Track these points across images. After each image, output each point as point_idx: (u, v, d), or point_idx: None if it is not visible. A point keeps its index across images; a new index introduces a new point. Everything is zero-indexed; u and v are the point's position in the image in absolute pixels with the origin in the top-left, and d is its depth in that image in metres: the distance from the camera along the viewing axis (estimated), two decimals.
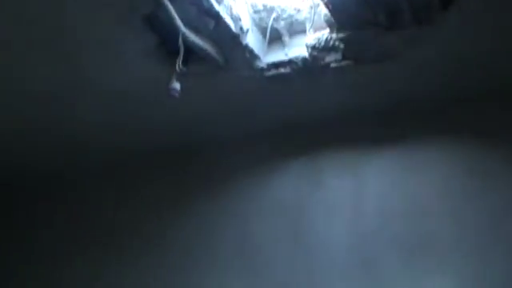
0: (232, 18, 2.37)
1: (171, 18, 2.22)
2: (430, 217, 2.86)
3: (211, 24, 2.33)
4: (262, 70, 2.66)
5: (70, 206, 3.54)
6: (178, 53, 2.32)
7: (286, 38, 2.65)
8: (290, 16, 2.57)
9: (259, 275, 3.00)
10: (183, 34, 2.28)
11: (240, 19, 2.41)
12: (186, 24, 2.30)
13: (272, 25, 2.58)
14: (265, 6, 2.53)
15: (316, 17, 2.52)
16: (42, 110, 2.92)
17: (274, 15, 2.54)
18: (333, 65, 2.62)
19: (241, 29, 2.42)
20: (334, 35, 2.50)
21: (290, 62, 2.64)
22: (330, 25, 2.47)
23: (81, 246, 3.41)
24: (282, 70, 2.66)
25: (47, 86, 2.70)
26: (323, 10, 2.40)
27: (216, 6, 2.26)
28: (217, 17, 2.30)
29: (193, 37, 2.33)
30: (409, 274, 2.81)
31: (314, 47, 2.57)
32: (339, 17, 2.35)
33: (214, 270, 3.09)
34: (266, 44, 2.64)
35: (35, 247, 3.51)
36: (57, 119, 3.02)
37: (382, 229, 2.90)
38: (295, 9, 2.54)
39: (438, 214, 2.86)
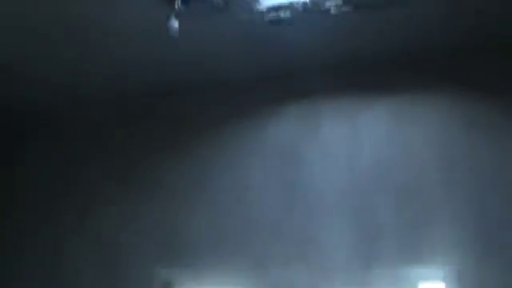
0: None
1: None
2: (427, 166, 2.91)
3: None
4: (262, 13, 2.64)
5: (65, 146, 3.56)
6: None
7: None
8: None
9: (253, 215, 3.07)
10: None
11: None
12: None
13: None
14: None
15: None
16: (42, 48, 2.92)
17: None
18: (333, 10, 2.60)
19: None
20: None
21: (290, 6, 2.62)
22: None
23: (74, 184, 3.46)
24: (282, 14, 2.65)
25: (46, 24, 2.70)
26: None
27: None
28: None
29: None
30: (402, 220, 2.88)
31: None
32: None
33: (208, 209, 3.16)
34: None
35: (29, 184, 3.58)
36: (56, 59, 3.02)
37: (377, 176, 2.95)
38: None
39: (434, 163, 2.91)
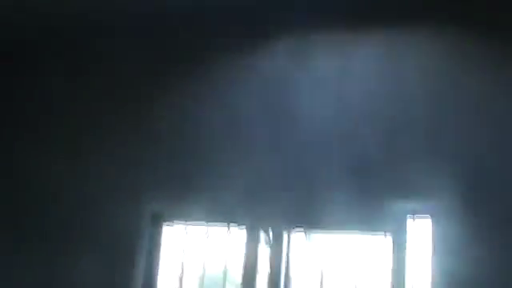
0: None
1: None
2: (417, 100, 2.90)
3: None
4: None
5: (65, 67, 3.46)
6: None
7: None
8: None
9: (245, 145, 3.06)
10: None
11: None
12: None
13: None
14: None
15: None
16: None
17: None
18: None
19: None
20: None
21: None
22: None
23: (65, 116, 3.40)
24: None
25: None
26: None
27: None
28: None
29: None
30: (390, 153, 2.88)
31: None
32: None
33: (198, 139, 3.14)
34: None
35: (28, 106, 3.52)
36: None
37: (366, 108, 2.94)
38: None
39: (424, 97, 2.89)
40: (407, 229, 2.88)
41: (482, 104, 2.83)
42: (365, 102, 2.95)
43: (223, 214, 3.10)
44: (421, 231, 2.87)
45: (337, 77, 3.00)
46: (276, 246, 3.02)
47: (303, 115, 3.02)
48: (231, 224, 3.11)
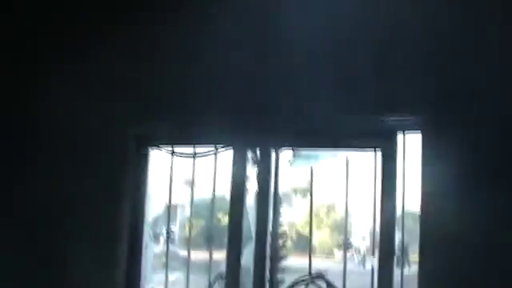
0: None
1: None
2: (408, 19, 2.78)
3: None
4: None
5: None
6: None
7: None
8: None
9: (231, 65, 2.96)
10: None
11: None
12: None
13: None
14: None
15: None
16: None
17: None
18: None
19: None
20: None
21: None
22: None
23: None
24: None
25: None
26: None
27: None
28: None
29: None
30: (381, 70, 2.80)
31: None
32: None
33: (182, 60, 3.03)
34: None
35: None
36: None
37: (355, 26, 2.85)
38: None
39: (414, 15, 2.78)
40: (397, 144, 2.83)
41: (475, 22, 2.73)
42: (354, 20, 2.84)
43: (210, 136, 3.04)
44: (411, 146, 2.82)
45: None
46: (264, 165, 2.97)
47: (290, 35, 2.89)
48: (218, 145, 3.05)
